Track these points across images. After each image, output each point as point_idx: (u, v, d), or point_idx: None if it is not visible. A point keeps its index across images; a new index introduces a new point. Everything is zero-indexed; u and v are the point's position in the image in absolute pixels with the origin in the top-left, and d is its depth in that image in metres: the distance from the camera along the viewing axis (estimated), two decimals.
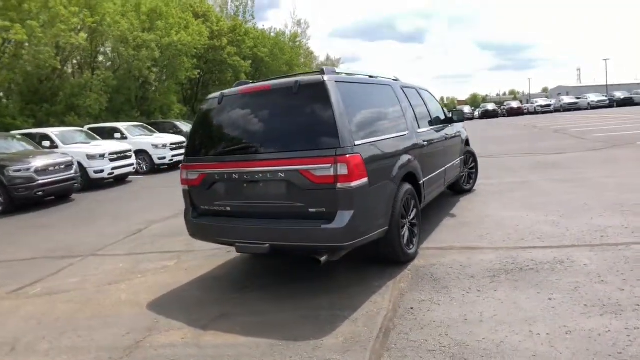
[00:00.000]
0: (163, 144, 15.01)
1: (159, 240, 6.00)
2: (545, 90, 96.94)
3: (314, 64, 55.15)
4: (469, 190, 6.89)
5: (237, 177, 3.72)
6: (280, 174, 3.47)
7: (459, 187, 6.74)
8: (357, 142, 3.41)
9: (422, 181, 4.48)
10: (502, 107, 43.44)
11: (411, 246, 4.08)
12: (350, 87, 3.81)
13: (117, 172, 12.13)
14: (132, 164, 12.83)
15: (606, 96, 38.96)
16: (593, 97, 38.89)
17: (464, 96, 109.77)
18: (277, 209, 3.59)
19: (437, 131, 5.46)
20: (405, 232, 4.02)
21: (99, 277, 4.69)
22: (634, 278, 3.20)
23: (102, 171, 11.67)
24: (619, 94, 38.95)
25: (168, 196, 10.32)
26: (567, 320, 2.73)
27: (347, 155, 3.25)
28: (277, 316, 3.29)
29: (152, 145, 14.81)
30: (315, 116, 3.49)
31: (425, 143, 4.78)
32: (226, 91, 4.07)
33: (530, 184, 7.00)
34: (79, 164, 10.87)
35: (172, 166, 15.38)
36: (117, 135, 14.94)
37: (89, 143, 12.52)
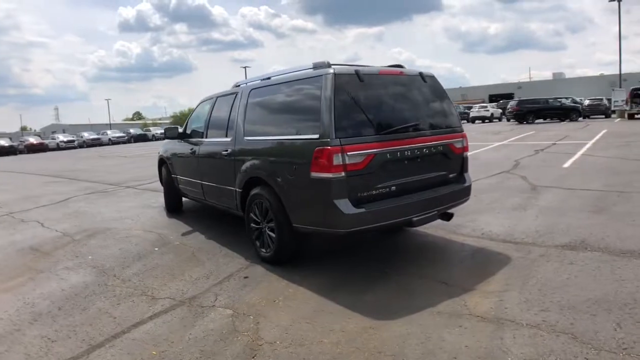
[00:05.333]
0: None
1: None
2: (24, 128, 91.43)
3: None
4: None
5: (409, 153, 3.73)
6: (440, 147, 4.00)
7: None
8: None
9: None
10: (20, 143, 37.93)
11: None
12: None
13: None
14: None
15: (124, 132, 43.31)
16: (113, 134, 42.16)
17: None
18: (429, 180, 3.97)
19: None
20: None
21: None
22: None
23: None
24: (133, 131, 44.48)
25: None
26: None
27: (464, 132, 4.39)
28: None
29: None
30: (441, 102, 4.26)
31: None
32: (360, 69, 3.72)
33: None
34: None
35: None
36: None
37: None
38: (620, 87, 27.54)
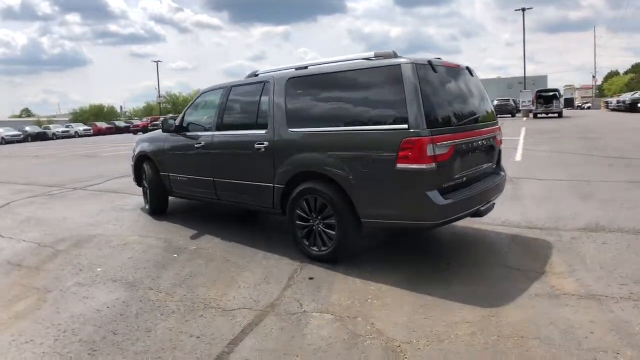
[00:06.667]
0: None
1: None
2: None
3: None
4: None
5: (475, 144, 3.82)
6: (490, 139, 4.14)
7: None
8: None
9: None
10: None
11: None
12: None
13: None
14: None
15: (19, 130, 38.09)
16: (6, 132, 36.95)
17: None
18: (483, 170, 4.10)
19: None
20: None
21: None
22: None
23: None
24: (30, 129, 39.40)
25: None
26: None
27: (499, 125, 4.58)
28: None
29: None
30: (484, 95, 4.35)
31: None
32: (432, 60, 3.68)
33: None
34: None
35: None
36: None
37: None
38: (525, 89, 31.00)
